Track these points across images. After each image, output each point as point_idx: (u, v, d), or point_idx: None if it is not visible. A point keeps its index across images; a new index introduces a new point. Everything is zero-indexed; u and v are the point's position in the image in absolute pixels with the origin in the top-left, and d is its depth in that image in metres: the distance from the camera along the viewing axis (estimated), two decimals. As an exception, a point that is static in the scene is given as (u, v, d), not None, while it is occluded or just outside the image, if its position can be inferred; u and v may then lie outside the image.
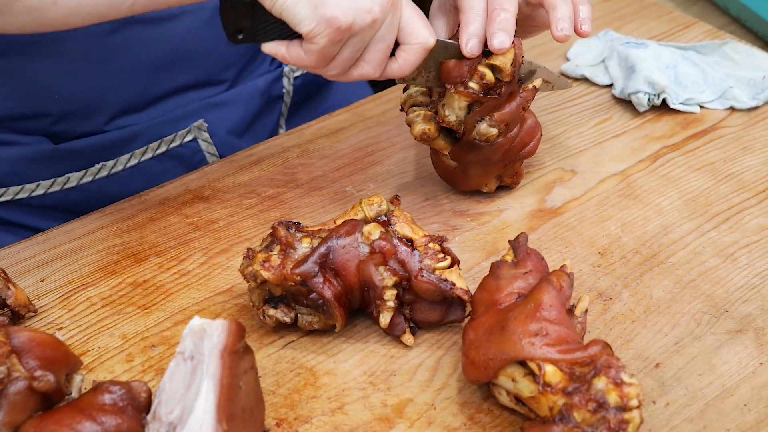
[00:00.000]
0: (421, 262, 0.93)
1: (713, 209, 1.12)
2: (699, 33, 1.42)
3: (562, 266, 0.90)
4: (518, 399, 0.87)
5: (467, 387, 0.92)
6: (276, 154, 1.23)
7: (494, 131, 1.03)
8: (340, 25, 0.91)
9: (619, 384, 0.81)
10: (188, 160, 1.31)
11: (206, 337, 0.83)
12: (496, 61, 1.00)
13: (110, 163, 1.26)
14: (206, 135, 1.30)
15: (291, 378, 0.94)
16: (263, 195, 1.16)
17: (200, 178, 1.20)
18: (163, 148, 1.28)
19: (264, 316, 0.95)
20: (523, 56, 1.04)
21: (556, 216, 1.12)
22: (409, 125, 1.06)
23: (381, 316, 0.93)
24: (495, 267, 0.92)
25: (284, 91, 1.37)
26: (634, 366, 0.94)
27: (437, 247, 0.94)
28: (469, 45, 1.01)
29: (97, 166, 1.25)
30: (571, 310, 0.90)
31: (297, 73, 1.39)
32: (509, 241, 0.94)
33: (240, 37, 0.96)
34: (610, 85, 1.31)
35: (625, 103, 1.29)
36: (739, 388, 0.92)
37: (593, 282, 1.03)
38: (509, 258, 0.92)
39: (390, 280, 0.92)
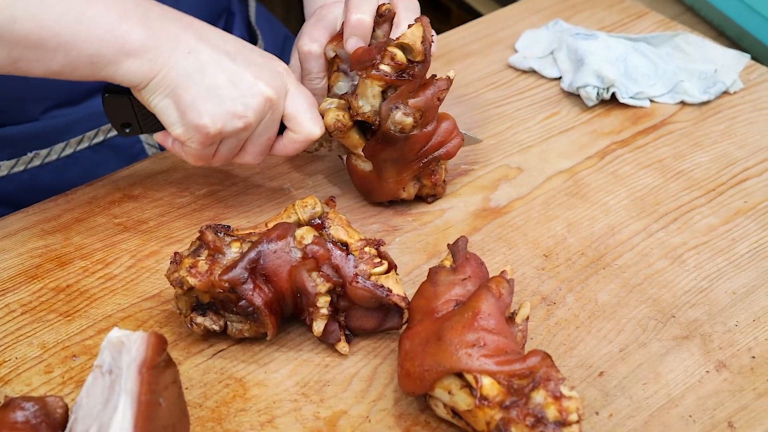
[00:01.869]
0: (356, 267, 0.90)
1: (662, 208, 1.10)
2: (651, 23, 1.40)
3: (502, 272, 0.88)
4: (455, 412, 0.84)
5: (404, 398, 0.90)
6: (211, 150, 1.18)
7: (409, 120, 0.99)
8: (209, 132, 0.94)
9: (558, 397, 0.79)
10: (126, 151, 1.26)
11: (124, 350, 0.80)
12: (405, 39, 0.97)
13: (44, 152, 1.21)
14: None
15: (219, 390, 0.91)
16: (197, 193, 1.12)
17: (130, 176, 1.16)
18: (99, 138, 1.24)
19: (191, 324, 0.92)
20: (433, 35, 1.01)
21: (501, 216, 1.09)
22: (322, 115, 1.01)
23: (314, 323, 0.90)
24: (433, 273, 0.89)
25: None
26: (577, 374, 0.92)
27: (373, 251, 0.91)
28: (348, 44, 1.01)
29: (30, 154, 1.21)
30: (511, 318, 0.87)
31: None
32: (448, 245, 0.91)
33: (128, 130, 1.03)
34: (559, 78, 1.29)
35: (574, 97, 1.27)
36: (684, 398, 0.90)
37: (537, 286, 1.01)
38: (448, 263, 0.89)
39: (323, 287, 0.89)
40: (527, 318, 0.88)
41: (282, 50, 1.44)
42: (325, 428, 0.87)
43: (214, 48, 0.93)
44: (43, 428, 0.80)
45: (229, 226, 0.93)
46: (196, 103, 0.92)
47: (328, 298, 0.90)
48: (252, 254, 0.90)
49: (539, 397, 0.79)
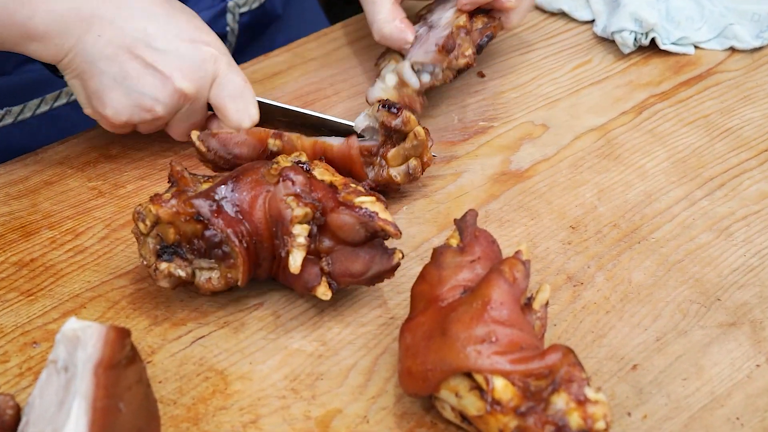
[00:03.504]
0: (339, 195, 0.84)
1: (706, 172, 1.03)
2: (697, -43, 1.30)
3: (516, 252, 0.80)
4: (464, 417, 0.76)
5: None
6: (200, 104, 1.11)
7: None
8: (113, 122, 0.95)
9: (582, 402, 0.72)
10: None
11: (80, 345, 0.73)
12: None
13: (16, 108, 1.16)
14: None
15: (197, 384, 0.83)
16: (182, 153, 1.05)
17: (107, 133, 1.07)
18: None
19: (155, 272, 0.85)
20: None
21: (523, 180, 1.02)
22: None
23: (290, 257, 0.82)
24: (437, 253, 0.81)
25: (228, 29, 1.27)
26: (606, 368, 0.84)
27: (361, 189, 0.85)
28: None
29: (0, 111, 1.15)
30: (528, 304, 0.80)
31: (243, 9, 1.28)
32: (454, 220, 0.83)
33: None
34: (591, 22, 1.22)
35: (608, 44, 1.20)
36: (730, 396, 0.82)
37: (562, 263, 0.93)
38: (454, 242, 0.82)
39: (300, 210, 0.82)
40: (546, 303, 0.81)
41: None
42: (316, 430, 0.80)
43: (130, 30, 0.91)
44: (-12, 432, 0.73)
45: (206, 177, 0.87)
46: (100, 92, 0.92)
47: (307, 227, 0.83)
48: (224, 178, 0.85)
49: (560, 401, 0.72)
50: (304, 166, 0.87)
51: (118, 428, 0.71)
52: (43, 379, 0.75)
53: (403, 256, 0.85)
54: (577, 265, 0.93)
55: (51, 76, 1.14)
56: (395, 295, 0.90)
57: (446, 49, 1.01)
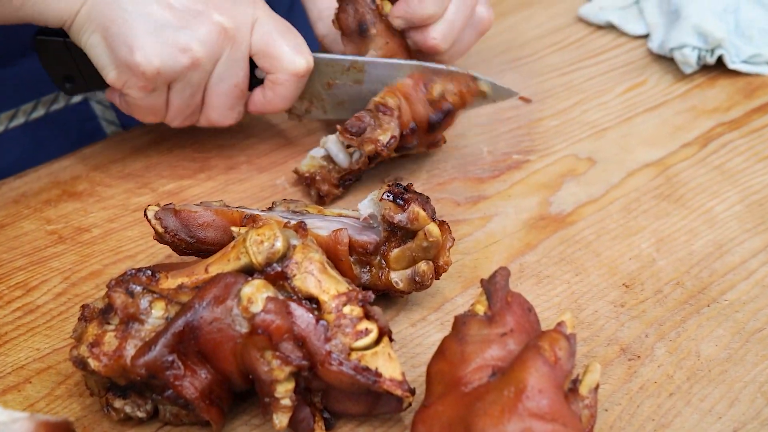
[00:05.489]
0: (329, 340, 0.71)
1: None
2: (770, -39, 1.29)
3: (558, 324, 0.71)
4: None
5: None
6: (185, 132, 1.08)
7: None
8: (144, 72, 0.89)
9: None
10: (76, 129, 1.16)
11: None
12: None
13: None
14: (101, 95, 1.17)
15: None
16: (160, 191, 1.01)
17: (74, 166, 1.05)
18: (40, 112, 1.14)
19: (108, 409, 0.76)
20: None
21: (565, 227, 0.96)
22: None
23: (274, 417, 0.72)
24: (459, 324, 0.73)
25: None
26: None
27: (357, 311, 0.71)
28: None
29: None
30: (573, 390, 0.71)
31: None
32: (481, 281, 0.75)
33: (69, 85, 0.98)
34: (646, 36, 1.21)
35: (666, 62, 1.17)
36: (830, 507, 0.73)
37: (614, 330, 0.85)
38: (481, 309, 0.73)
39: (281, 372, 0.70)
40: (596, 387, 0.72)
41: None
42: None
43: None
44: None
45: (155, 273, 0.75)
46: (126, 37, 0.87)
47: (291, 386, 0.72)
48: (178, 325, 0.73)
49: None
50: (279, 269, 0.74)
51: None
52: (-41, 483, 0.64)
53: (411, 403, 0.74)
54: (633, 334, 0.85)
55: (3, 90, 1.11)
56: (408, 369, 0.81)
57: (349, 131, 0.93)
